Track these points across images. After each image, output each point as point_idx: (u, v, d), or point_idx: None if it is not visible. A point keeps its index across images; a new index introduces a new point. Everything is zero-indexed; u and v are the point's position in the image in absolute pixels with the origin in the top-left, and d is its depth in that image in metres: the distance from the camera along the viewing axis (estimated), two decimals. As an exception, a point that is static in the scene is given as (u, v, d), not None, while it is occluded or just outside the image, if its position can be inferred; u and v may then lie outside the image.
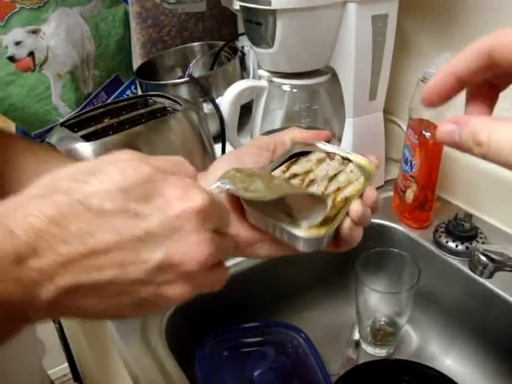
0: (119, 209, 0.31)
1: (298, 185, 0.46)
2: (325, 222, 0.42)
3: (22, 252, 0.28)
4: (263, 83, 0.86)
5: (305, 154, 0.50)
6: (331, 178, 0.46)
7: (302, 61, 0.81)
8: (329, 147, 0.50)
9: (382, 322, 0.82)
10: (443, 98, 0.33)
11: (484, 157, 0.28)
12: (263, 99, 0.88)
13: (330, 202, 0.44)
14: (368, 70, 0.81)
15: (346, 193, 0.45)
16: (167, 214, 0.32)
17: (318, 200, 0.41)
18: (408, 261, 0.77)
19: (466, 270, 0.74)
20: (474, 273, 0.54)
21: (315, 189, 0.45)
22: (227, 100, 0.85)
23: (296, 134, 0.50)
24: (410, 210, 0.83)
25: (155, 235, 0.32)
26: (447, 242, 0.77)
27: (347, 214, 0.43)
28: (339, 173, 0.47)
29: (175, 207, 0.32)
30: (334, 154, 0.49)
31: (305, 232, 0.41)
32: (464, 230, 0.76)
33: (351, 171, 0.47)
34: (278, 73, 0.84)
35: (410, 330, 0.86)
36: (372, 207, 0.45)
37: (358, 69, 0.80)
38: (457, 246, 0.76)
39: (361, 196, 0.45)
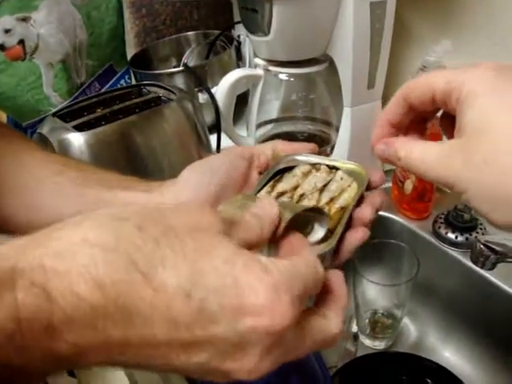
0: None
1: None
2: (325, 236, 0.39)
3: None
4: (259, 72, 0.84)
5: (289, 169, 0.48)
6: (321, 190, 0.45)
7: (299, 49, 0.79)
8: (312, 158, 0.48)
9: (381, 315, 0.81)
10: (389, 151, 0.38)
11: (404, 168, 0.35)
12: (259, 89, 0.86)
13: None
14: (366, 58, 0.79)
15: (341, 202, 0.43)
16: (234, 327, 0.25)
17: (316, 213, 0.38)
18: (407, 252, 0.76)
19: (466, 261, 0.73)
20: (476, 264, 0.53)
21: (306, 204, 0.43)
22: (223, 89, 0.83)
23: (278, 147, 0.49)
24: (409, 201, 0.82)
25: (213, 344, 0.26)
26: (446, 233, 0.76)
27: (347, 224, 0.41)
28: (329, 182, 0.45)
29: (247, 321, 0.25)
30: (320, 164, 0.47)
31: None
32: (464, 220, 0.75)
33: (341, 178, 0.45)
34: (275, 61, 0.82)
35: (408, 323, 0.85)
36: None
37: (356, 57, 0.78)
38: (456, 237, 0.75)
39: (359, 201, 0.43)
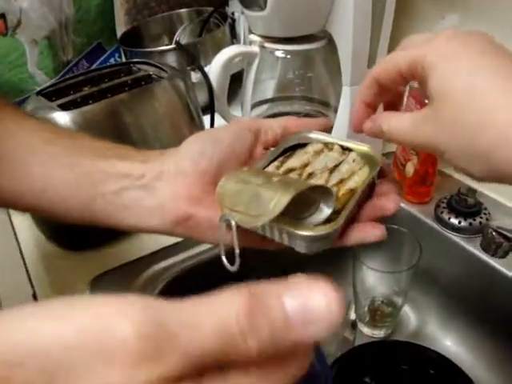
0: None
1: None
2: (330, 216, 0.37)
3: None
4: (255, 49, 0.80)
5: (300, 146, 0.46)
6: (332, 170, 0.43)
7: (297, 24, 0.76)
8: (326, 137, 0.46)
9: (380, 302, 0.79)
10: (367, 127, 0.41)
11: (388, 139, 0.38)
12: (254, 67, 0.82)
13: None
14: (367, 34, 0.75)
15: (351, 184, 0.41)
16: None
17: (322, 192, 0.36)
18: (408, 238, 0.73)
19: (469, 247, 0.71)
20: (487, 252, 0.50)
21: (314, 183, 0.41)
22: (216, 67, 0.80)
23: (290, 122, 0.46)
24: (410, 185, 0.79)
25: None
26: (449, 218, 0.73)
27: (357, 207, 0.40)
28: (340, 164, 0.43)
29: None
30: (333, 144, 0.45)
31: (310, 231, 0.36)
32: (467, 205, 0.72)
33: (353, 161, 0.43)
34: (271, 38, 0.78)
35: (408, 310, 0.83)
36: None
37: (356, 33, 0.74)
38: (460, 223, 0.72)
39: (371, 188, 0.41)
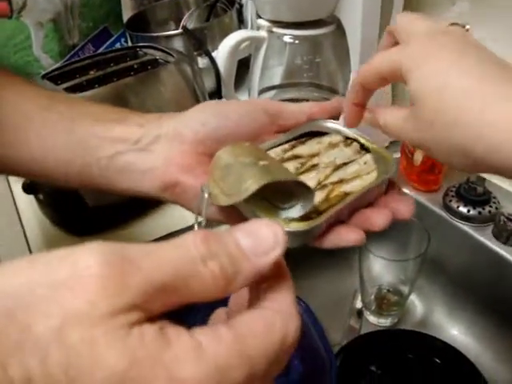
0: None
1: (295, 169, 0.41)
2: (310, 214, 0.36)
3: None
4: (262, 34, 0.79)
5: (320, 134, 0.44)
6: (338, 167, 0.41)
7: (305, 9, 0.74)
8: (350, 132, 0.44)
9: (387, 291, 0.78)
10: (359, 118, 0.42)
11: (385, 133, 0.38)
12: (262, 52, 0.81)
13: (323, 194, 0.38)
14: (376, 20, 0.74)
15: (348, 187, 0.39)
16: None
17: (304, 190, 0.35)
18: (416, 226, 0.72)
19: (478, 236, 0.70)
20: (498, 240, 0.49)
21: (313, 175, 0.40)
22: (223, 52, 0.79)
23: (315, 111, 0.44)
24: (418, 173, 0.78)
25: None
26: (458, 206, 0.72)
27: (355, 210, 0.38)
28: (350, 163, 0.41)
29: None
30: (353, 140, 0.43)
31: (281, 223, 0.35)
32: (476, 193, 0.71)
33: (365, 163, 0.41)
34: (279, 22, 0.77)
35: (415, 299, 0.82)
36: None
37: (366, 18, 0.73)
38: (468, 211, 0.71)
39: (375, 196, 0.39)
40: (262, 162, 0.36)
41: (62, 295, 0.20)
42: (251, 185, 0.33)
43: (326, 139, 0.44)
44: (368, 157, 0.42)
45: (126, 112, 0.46)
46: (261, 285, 0.25)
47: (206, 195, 0.37)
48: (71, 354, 0.19)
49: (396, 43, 0.39)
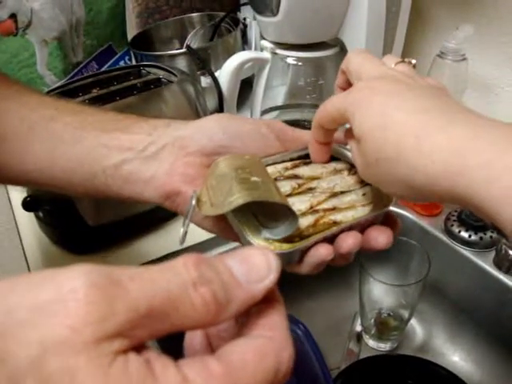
0: None
1: (292, 188, 0.40)
2: (293, 238, 0.36)
3: None
4: (266, 55, 0.80)
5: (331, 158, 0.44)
6: (334, 194, 0.41)
7: (309, 31, 0.75)
8: None
9: (387, 315, 0.77)
10: (325, 155, 0.43)
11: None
12: (265, 73, 0.82)
13: (311, 220, 0.38)
14: (380, 43, 0.75)
15: (339, 216, 0.38)
16: None
17: (290, 214, 0.35)
18: (417, 250, 0.72)
19: (479, 261, 0.69)
20: (500, 269, 0.48)
21: (307, 198, 0.40)
22: (227, 72, 0.79)
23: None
24: (420, 196, 0.77)
25: None
26: (459, 231, 0.72)
27: (326, 239, 0.37)
28: (348, 192, 0.41)
29: None
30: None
31: (260, 241, 0.36)
32: (478, 218, 0.71)
33: (363, 194, 0.41)
34: (283, 44, 0.78)
35: (415, 324, 0.81)
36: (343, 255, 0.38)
37: (370, 42, 0.74)
38: (470, 236, 0.71)
39: (362, 228, 0.39)
40: (254, 178, 0.36)
41: (43, 321, 0.19)
42: (236, 200, 0.34)
43: (332, 164, 0.44)
44: (368, 189, 0.41)
45: (132, 119, 0.46)
46: (251, 309, 0.24)
47: (194, 202, 0.37)
48: None
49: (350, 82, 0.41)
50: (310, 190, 0.41)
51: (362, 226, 0.39)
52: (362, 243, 0.38)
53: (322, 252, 0.37)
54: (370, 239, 0.38)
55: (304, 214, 0.38)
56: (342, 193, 0.41)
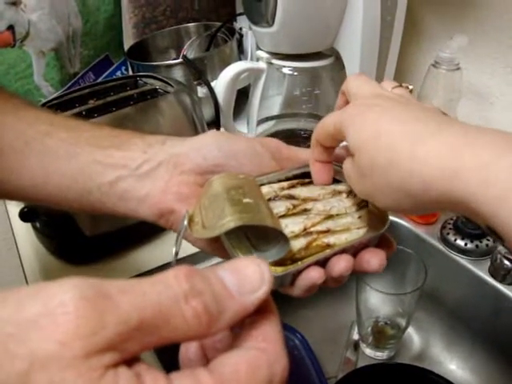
0: None
1: (286, 209, 0.39)
2: (285, 261, 0.36)
3: None
4: (262, 65, 0.80)
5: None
6: (330, 217, 0.40)
7: (305, 41, 0.75)
8: None
9: (384, 324, 0.77)
10: (327, 175, 0.43)
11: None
12: (261, 83, 0.82)
13: (304, 242, 0.37)
14: (375, 53, 0.75)
15: (332, 239, 0.38)
16: None
17: (281, 237, 0.35)
18: (413, 259, 0.72)
19: (475, 270, 0.70)
20: (495, 278, 0.49)
21: (301, 220, 0.39)
22: (223, 83, 0.79)
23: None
24: (416, 205, 0.78)
25: None
26: (455, 239, 0.72)
27: (318, 262, 0.37)
28: (344, 214, 0.40)
29: None
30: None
31: None
32: (474, 227, 0.71)
33: (359, 217, 0.40)
34: (278, 54, 0.78)
35: (412, 332, 0.81)
36: (335, 278, 0.38)
37: (365, 52, 0.74)
38: (466, 245, 0.71)
39: (355, 251, 0.38)
40: (246, 200, 0.36)
41: (31, 335, 0.19)
42: (227, 223, 0.33)
43: (331, 186, 0.42)
44: (364, 211, 0.41)
45: (128, 135, 0.46)
46: (244, 320, 0.24)
47: (186, 222, 0.37)
48: None
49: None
50: (305, 211, 0.40)
51: (355, 249, 0.38)
52: (355, 266, 0.38)
53: (313, 275, 0.36)
54: (363, 262, 0.38)
55: (297, 236, 0.38)
56: (338, 215, 0.40)
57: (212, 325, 0.22)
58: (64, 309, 0.19)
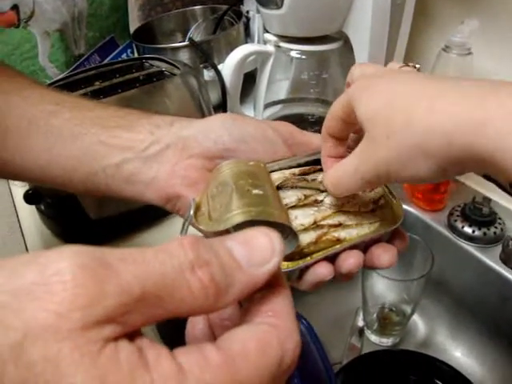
0: None
1: (297, 200, 0.38)
2: (293, 255, 0.35)
3: None
4: (269, 48, 0.79)
5: None
6: (341, 211, 0.38)
7: (313, 24, 0.74)
8: None
9: (389, 310, 0.77)
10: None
11: (339, 194, 0.37)
12: (269, 66, 0.81)
13: (313, 236, 0.36)
14: (384, 37, 0.74)
15: (343, 234, 0.37)
16: None
17: (290, 232, 0.34)
18: (420, 246, 0.71)
19: (483, 257, 0.69)
20: (507, 264, 0.48)
21: (311, 212, 0.37)
22: (230, 65, 0.78)
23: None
24: (423, 192, 0.77)
25: None
26: (463, 226, 0.71)
27: (327, 257, 0.36)
28: (356, 208, 0.39)
29: None
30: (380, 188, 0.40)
31: None
32: (481, 214, 0.70)
33: (372, 211, 0.39)
34: (286, 37, 0.77)
35: (417, 319, 0.81)
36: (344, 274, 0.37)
37: (374, 35, 0.73)
38: (473, 232, 0.70)
39: (366, 246, 0.37)
40: (255, 191, 0.34)
41: (25, 305, 0.17)
42: (234, 217, 0.32)
43: None
44: (377, 206, 0.39)
45: (134, 116, 0.45)
46: (254, 295, 0.23)
47: (192, 212, 0.35)
48: (30, 374, 0.17)
49: None
50: (315, 202, 0.38)
51: (366, 244, 0.37)
52: (365, 261, 0.37)
53: (322, 271, 0.35)
54: (374, 257, 0.37)
55: (306, 229, 0.36)
56: (350, 209, 0.39)
57: (219, 298, 0.20)
58: (61, 277, 0.18)
